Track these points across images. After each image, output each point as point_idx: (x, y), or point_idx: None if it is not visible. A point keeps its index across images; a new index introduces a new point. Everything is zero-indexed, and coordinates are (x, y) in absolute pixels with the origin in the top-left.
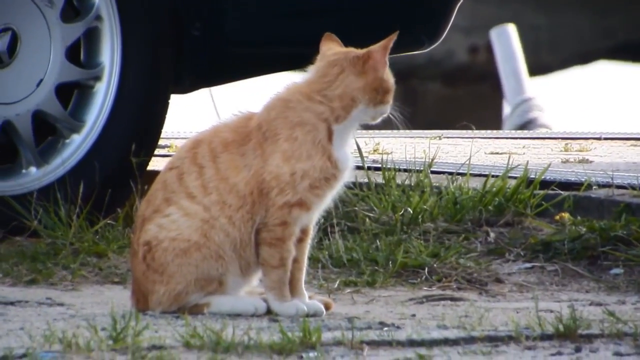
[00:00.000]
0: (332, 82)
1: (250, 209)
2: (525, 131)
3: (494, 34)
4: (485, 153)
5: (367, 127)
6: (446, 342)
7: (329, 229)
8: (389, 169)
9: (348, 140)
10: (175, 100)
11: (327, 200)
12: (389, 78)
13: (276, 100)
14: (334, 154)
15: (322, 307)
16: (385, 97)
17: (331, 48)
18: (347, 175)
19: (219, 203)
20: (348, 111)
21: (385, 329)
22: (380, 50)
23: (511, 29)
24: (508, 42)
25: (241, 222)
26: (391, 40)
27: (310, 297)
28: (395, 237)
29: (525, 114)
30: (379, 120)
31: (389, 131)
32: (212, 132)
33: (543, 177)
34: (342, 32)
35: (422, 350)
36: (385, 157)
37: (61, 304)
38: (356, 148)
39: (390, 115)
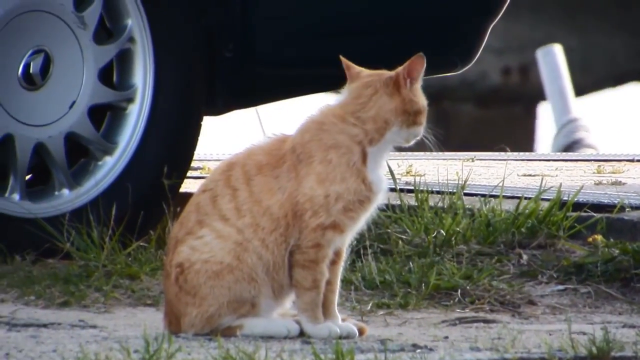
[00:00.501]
0: (366, 104)
1: (284, 232)
2: (559, 153)
3: (540, 54)
4: (518, 175)
5: (399, 149)
6: None
7: (361, 251)
8: (422, 191)
9: (382, 162)
10: (209, 122)
11: (361, 222)
12: (420, 99)
13: (310, 122)
14: (368, 176)
15: (355, 329)
16: (417, 118)
17: (363, 70)
18: (381, 198)
19: (252, 225)
20: (382, 133)
21: (418, 351)
22: (401, 71)
23: (557, 49)
24: (554, 62)
25: (274, 244)
26: (413, 60)
27: (343, 320)
28: (427, 259)
29: (572, 135)
30: (412, 142)
31: (422, 153)
32: (246, 154)
33: (576, 199)
34: (374, 53)
35: None
36: (417, 179)
37: (94, 327)
38: (388, 170)
39: (423, 137)
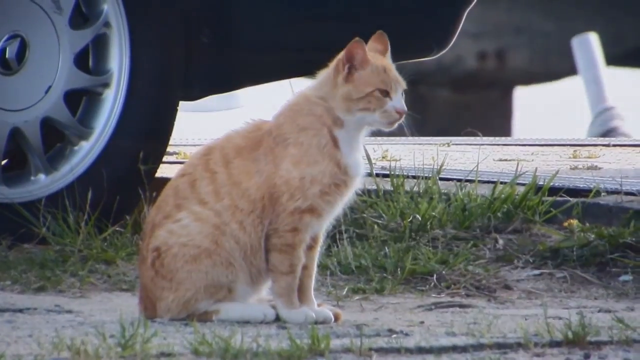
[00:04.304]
0: (333, 87)
1: (260, 213)
2: (534, 137)
3: (576, 42)
4: (494, 160)
5: (375, 134)
6: (455, 349)
7: (337, 236)
8: (398, 176)
9: (357, 146)
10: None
11: (339, 207)
12: (360, 86)
13: (286, 106)
14: (342, 160)
15: (331, 314)
16: (361, 104)
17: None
18: (358, 182)
19: (230, 208)
20: (341, 117)
21: (394, 336)
22: (339, 56)
23: (593, 37)
24: (589, 50)
25: (252, 226)
26: (350, 45)
27: (319, 305)
28: (403, 244)
29: (607, 123)
30: (388, 127)
31: (398, 138)
32: (225, 139)
33: (552, 183)
34: (350, 37)
35: (431, 358)
36: (393, 164)
37: (70, 311)
38: (365, 155)
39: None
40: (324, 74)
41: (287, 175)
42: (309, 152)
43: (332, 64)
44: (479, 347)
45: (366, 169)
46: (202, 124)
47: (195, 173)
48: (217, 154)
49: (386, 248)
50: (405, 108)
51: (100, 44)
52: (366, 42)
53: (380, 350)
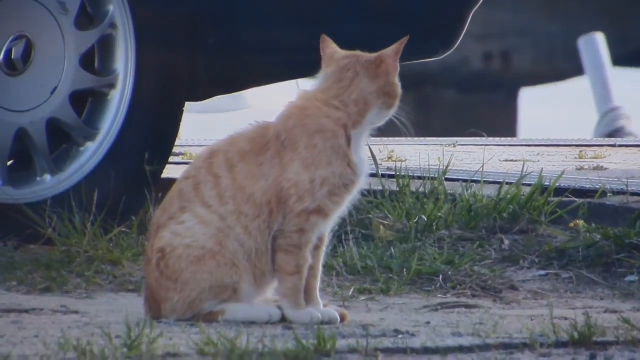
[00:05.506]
0: (348, 87)
1: (267, 218)
2: (540, 138)
3: (582, 42)
4: (499, 160)
5: (381, 134)
6: (461, 349)
7: (343, 237)
8: (404, 177)
9: (362, 144)
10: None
11: (344, 206)
12: (398, 83)
13: (293, 108)
14: (352, 159)
15: (337, 314)
16: (395, 100)
17: (338, 51)
18: (364, 180)
19: (235, 213)
20: (363, 115)
21: (400, 336)
22: (392, 55)
23: (599, 37)
24: (596, 50)
25: (257, 231)
26: (402, 44)
27: (325, 306)
28: (409, 244)
29: (613, 123)
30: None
31: (403, 138)
32: (228, 142)
33: (557, 184)
34: (356, 39)
35: (437, 358)
36: (399, 164)
37: (76, 312)
38: (371, 155)
39: (394, 118)
40: (336, 72)
41: (297, 178)
42: (322, 154)
43: (356, 61)
44: (485, 347)
45: (372, 170)
46: (209, 125)
47: (199, 176)
48: (221, 157)
49: (392, 249)
50: None
51: (106, 44)
52: (372, 42)
53: (386, 351)
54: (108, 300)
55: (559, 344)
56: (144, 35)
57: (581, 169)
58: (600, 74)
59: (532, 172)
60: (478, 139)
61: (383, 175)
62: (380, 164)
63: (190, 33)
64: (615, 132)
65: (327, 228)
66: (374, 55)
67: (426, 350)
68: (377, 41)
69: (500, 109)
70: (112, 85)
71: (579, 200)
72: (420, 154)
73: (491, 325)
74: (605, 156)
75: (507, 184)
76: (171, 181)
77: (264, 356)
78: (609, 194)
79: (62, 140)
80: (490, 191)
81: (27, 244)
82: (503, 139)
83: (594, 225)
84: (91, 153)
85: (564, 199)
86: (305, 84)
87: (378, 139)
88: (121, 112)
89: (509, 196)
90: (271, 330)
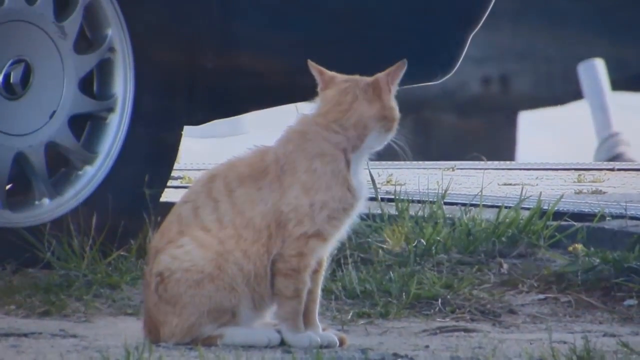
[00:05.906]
0: (347, 111)
1: (266, 242)
2: (538, 162)
3: (581, 67)
4: (498, 184)
5: (380, 157)
6: None
7: (342, 261)
8: (402, 200)
9: (361, 168)
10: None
11: (343, 230)
12: (395, 106)
13: (291, 132)
14: (352, 183)
15: (336, 338)
16: (394, 124)
17: (337, 75)
18: (362, 204)
19: (234, 237)
20: (362, 139)
21: None
22: (384, 77)
23: (598, 63)
24: (595, 76)
25: (256, 256)
26: (398, 67)
27: (324, 329)
28: (408, 268)
29: (613, 149)
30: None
31: (402, 162)
32: (227, 166)
33: (556, 208)
34: (355, 62)
35: None
36: (398, 188)
37: (74, 336)
38: (370, 179)
39: (392, 143)
40: (335, 96)
41: (296, 202)
42: (322, 178)
43: (355, 85)
44: None
45: (371, 193)
46: (208, 149)
47: (198, 200)
48: (220, 182)
49: (391, 273)
50: None
51: (104, 68)
52: (371, 66)
53: None
54: (107, 323)
55: None
56: (143, 58)
57: (580, 192)
58: (599, 100)
59: (530, 196)
60: (477, 162)
61: (382, 199)
62: (379, 188)
63: (188, 57)
64: (614, 158)
65: (326, 252)
66: (371, 78)
67: None
68: (376, 66)
69: (499, 132)
70: (110, 109)
71: (578, 224)
72: (419, 178)
73: (490, 349)
74: (603, 180)
75: (505, 207)
76: (170, 205)
77: None
78: (607, 218)
79: (60, 164)
80: (489, 215)
81: (26, 267)
82: (502, 162)
83: (592, 249)
84: (90, 177)
85: (563, 223)
86: (304, 108)
87: (377, 162)
88: (120, 135)
89: (507, 220)
90: (270, 354)
